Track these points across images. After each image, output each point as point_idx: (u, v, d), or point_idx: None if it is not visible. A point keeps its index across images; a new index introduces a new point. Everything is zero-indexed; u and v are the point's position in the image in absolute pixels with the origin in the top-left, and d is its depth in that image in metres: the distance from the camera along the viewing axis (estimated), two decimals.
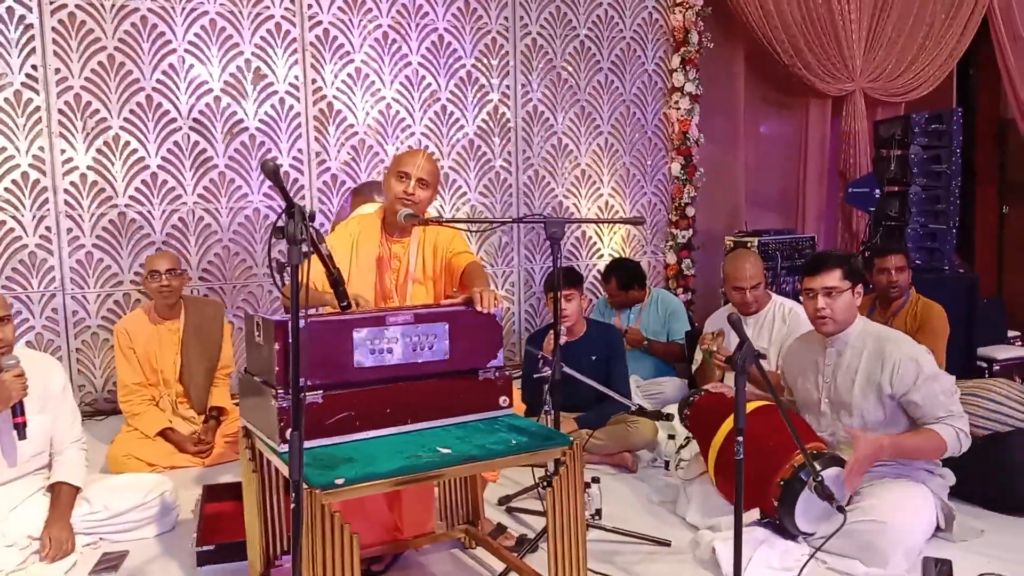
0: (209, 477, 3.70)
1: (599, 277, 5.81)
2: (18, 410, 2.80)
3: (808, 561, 2.58)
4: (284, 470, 2.08)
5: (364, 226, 2.98)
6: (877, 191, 6.11)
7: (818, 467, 2.68)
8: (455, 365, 2.42)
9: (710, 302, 6.11)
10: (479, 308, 2.44)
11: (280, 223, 1.85)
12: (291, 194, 5.14)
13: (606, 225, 6.15)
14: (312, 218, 1.90)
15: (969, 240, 7.79)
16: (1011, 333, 6.26)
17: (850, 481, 2.68)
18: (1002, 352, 5.82)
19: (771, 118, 7.36)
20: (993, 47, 7.18)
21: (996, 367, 5.72)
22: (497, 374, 2.49)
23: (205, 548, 2.82)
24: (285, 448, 2.06)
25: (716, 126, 6.70)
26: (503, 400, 2.50)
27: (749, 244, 5.83)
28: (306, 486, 1.96)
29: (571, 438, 2.30)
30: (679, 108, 6.16)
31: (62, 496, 2.96)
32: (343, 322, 2.29)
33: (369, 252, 2.93)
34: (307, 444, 2.16)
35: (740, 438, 2.24)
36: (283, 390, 2.18)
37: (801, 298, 3.06)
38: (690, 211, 6.25)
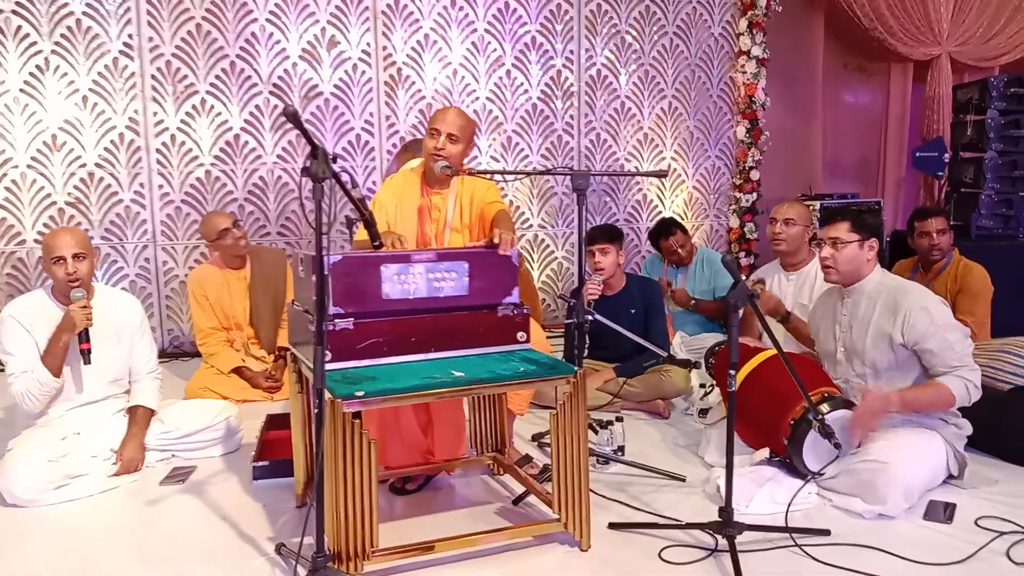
0: (276, 411, 4.05)
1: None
2: (83, 337, 3.14)
3: (800, 489, 2.72)
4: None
5: (407, 180, 3.23)
6: (946, 155, 5.99)
7: (826, 408, 2.81)
8: (474, 300, 2.64)
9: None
10: (499, 250, 2.65)
11: (307, 164, 2.10)
12: (363, 156, 5.50)
13: (668, 187, 6.25)
14: (334, 160, 2.15)
15: None
16: None
17: (854, 432, 2.80)
18: None
19: (852, 83, 7.27)
20: None
21: None
22: (515, 310, 2.70)
23: (260, 464, 3.15)
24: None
25: (791, 93, 6.69)
26: (520, 335, 2.72)
27: (811, 207, 5.83)
28: (330, 397, 2.23)
29: (574, 367, 2.50)
30: (745, 72, 6.18)
31: (138, 417, 3.35)
32: (373, 258, 2.54)
33: (411, 203, 3.18)
34: (338, 365, 2.45)
35: (732, 371, 2.40)
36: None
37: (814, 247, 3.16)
38: (754, 175, 6.28)
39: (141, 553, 2.62)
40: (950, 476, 2.96)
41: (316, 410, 2.14)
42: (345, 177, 2.35)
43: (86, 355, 3.14)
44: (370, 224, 2.65)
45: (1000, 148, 5.86)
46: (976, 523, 2.67)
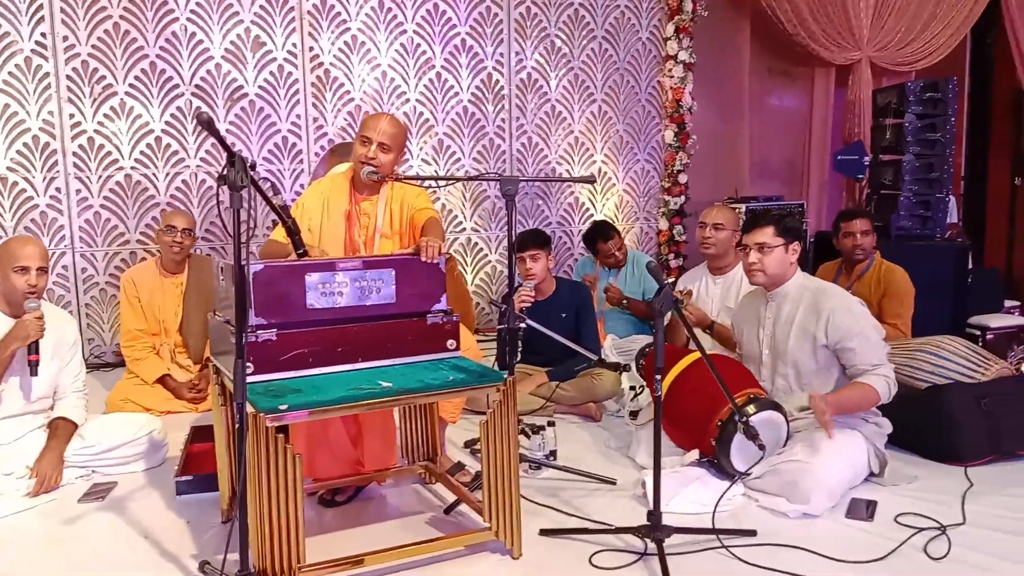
0: (202, 422, 3.94)
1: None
2: (33, 348, 3.08)
3: (726, 491, 2.77)
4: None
5: (334, 184, 3.18)
6: (866, 158, 6.17)
7: (752, 409, 2.86)
8: (402, 308, 2.61)
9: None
10: (423, 257, 2.62)
11: (224, 172, 2.04)
12: (290, 159, 5.40)
13: (599, 191, 6.30)
14: (253, 167, 2.09)
15: (980, 211, 7.81)
16: (1009, 303, 6.29)
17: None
18: (995, 321, 5.88)
19: (776, 87, 7.42)
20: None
21: (989, 336, 5.79)
22: (444, 318, 2.68)
23: (184, 478, 3.06)
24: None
25: (718, 96, 6.79)
26: (450, 343, 2.69)
27: (737, 211, 5.94)
28: (253, 411, 2.17)
29: (504, 375, 2.48)
30: (673, 76, 6.26)
31: (58, 430, 3.23)
32: (296, 267, 2.49)
33: (339, 209, 3.12)
34: (262, 377, 2.40)
35: (658, 376, 2.42)
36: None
37: (739, 252, 3.22)
38: (683, 178, 6.37)
39: (60, 573, 2.51)
40: (871, 474, 3.05)
41: (238, 424, 2.09)
42: (267, 184, 2.29)
43: (34, 367, 3.08)
44: (293, 232, 2.60)
45: (917, 151, 6.05)
46: (896, 520, 2.74)
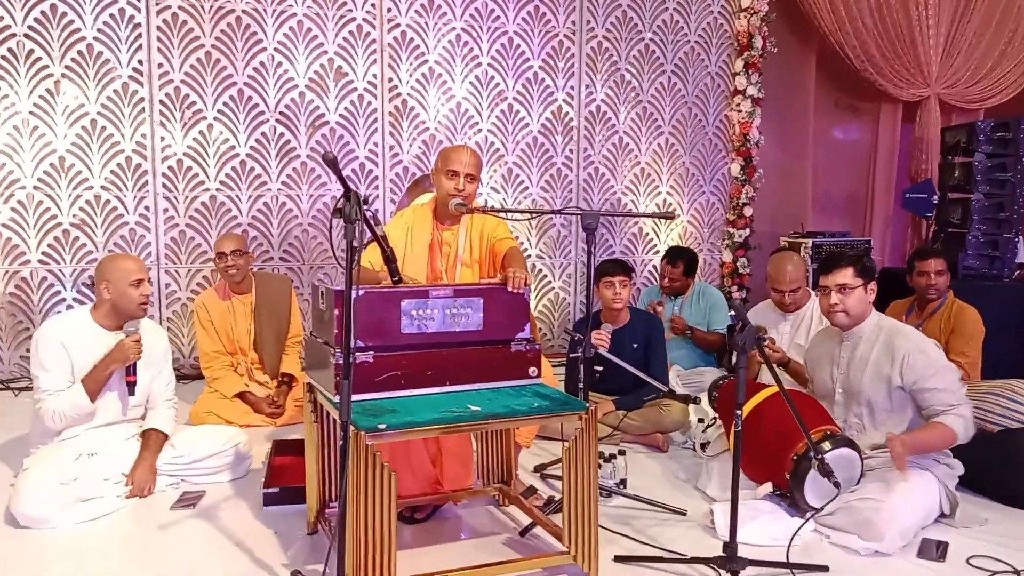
0: (279, 436, 4.10)
1: (654, 271, 6.06)
2: (131, 370, 3.27)
3: (802, 526, 2.81)
4: (338, 417, 2.43)
5: (418, 215, 3.33)
6: (935, 197, 6.15)
7: (827, 446, 2.91)
8: (487, 335, 2.73)
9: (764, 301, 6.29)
10: (510, 288, 2.74)
11: (339, 205, 2.19)
12: (366, 184, 5.60)
13: (664, 223, 6.38)
14: (366, 202, 2.24)
15: None
16: None
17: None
18: None
19: (842, 122, 7.44)
20: None
21: None
22: (527, 346, 2.79)
23: (271, 490, 3.21)
24: (339, 398, 2.39)
25: (783, 129, 6.84)
26: (532, 370, 2.80)
27: (803, 245, 5.98)
28: (353, 429, 2.30)
29: (587, 404, 2.58)
30: (740, 111, 6.34)
31: (151, 441, 3.41)
32: (392, 294, 2.63)
33: (422, 239, 3.27)
34: (358, 397, 2.53)
35: (739, 411, 2.50)
36: (340, 349, 2.52)
37: (817, 293, 3.26)
38: (748, 211, 6.42)
39: None
40: (942, 515, 3.07)
41: (341, 442, 2.21)
42: (370, 215, 2.43)
43: (131, 387, 3.29)
44: (391, 260, 2.74)
45: (986, 190, 6.01)
46: (968, 561, 2.77)
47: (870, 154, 7.37)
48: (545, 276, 6.16)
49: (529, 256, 6.11)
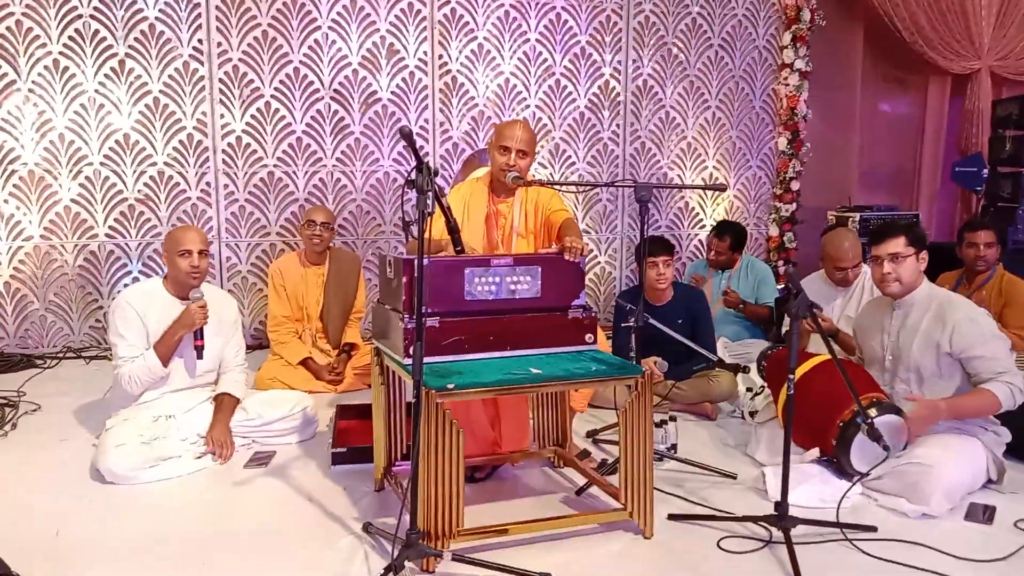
0: (340, 402, 4.27)
1: (700, 245, 6.12)
2: (199, 334, 3.44)
3: (850, 488, 2.90)
4: (407, 379, 2.57)
5: (474, 189, 3.44)
6: (985, 171, 6.11)
7: (874, 412, 2.99)
8: (546, 302, 2.85)
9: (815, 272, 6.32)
10: (567, 257, 2.85)
11: (411, 177, 2.32)
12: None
13: (710, 196, 6.43)
14: (436, 174, 2.36)
15: None
16: None
17: (904, 437, 2.98)
18: None
19: (890, 95, 7.38)
20: None
21: None
22: (584, 313, 2.91)
23: (339, 450, 3.38)
24: (408, 361, 2.53)
25: (830, 103, 6.82)
26: (588, 337, 2.92)
27: (851, 219, 6.00)
28: (424, 388, 2.44)
29: (642, 368, 2.69)
30: (788, 84, 6.34)
31: (224, 404, 3.59)
32: (457, 263, 2.76)
33: (479, 211, 3.39)
34: (426, 360, 2.66)
35: (792, 376, 2.59)
36: (408, 315, 2.66)
37: (870, 264, 3.32)
38: (795, 185, 6.44)
39: (234, 532, 2.82)
40: (989, 480, 3.13)
41: (414, 400, 2.35)
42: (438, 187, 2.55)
43: (200, 351, 3.45)
44: (455, 231, 2.86)
45: None
46: (1016, 524, 2.83)
47: (918, 128, 7.32)
48: (592, 250, 6.26)
49: None
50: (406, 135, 2.26)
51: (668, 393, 4.06)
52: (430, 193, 2.30)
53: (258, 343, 5.48)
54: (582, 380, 2.69)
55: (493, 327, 2.79)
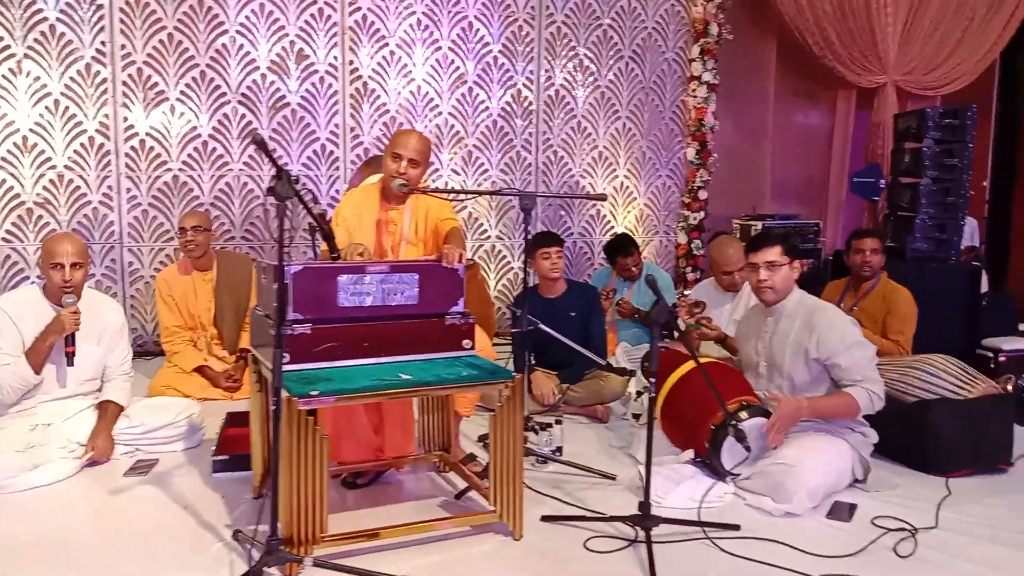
0: (237, 409, 4.23)
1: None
2: (70, 340, 3.38)
3: (711, 489, 3.00)
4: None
5: (366, 194, 3.47)
6: (882, 181, 6.34)
7: (744, 415, 3.09)
8: (423, 309, 2.88)
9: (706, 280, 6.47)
10: (444, 263, 2.89)
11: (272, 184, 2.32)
12: (327, 165, 5.71)
13: (621, 204, 6.54)
14: (297, 181, 2.38)
15: (1006, 235, 7.92)
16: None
17: (772, 436, 3.08)
18: (1008, 344, 5.97)
19: (801, 108, 7.60)
20: None
21: (1002, 358, 5.89)
22: (461, 319, 2.94)
23: (220, 458, 3.36)
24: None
25: (743, 115, 7.00)
26: (466, 343, 2.95)
27: (753, 228, 6.16)
28: (287, 395, 2.45)
29: (513, 373, 2.74)
30: (696, 96, 6.49)
31: (108, 412, 3.54)
32: (331, 269, 2.77)
33: (370, 217, 3.41)
34: (296, 367, 2.67)
35: (652, 380, 2.67)
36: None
37: (746, 271, 3.44)
38: (702, 194, 6.58)
39: (105, 537, 2.80)
40: (856, 480, 3.26)
41: (273, 407, 2.36)
42: (308, 195, 2.57)
43: (70, 357, 3.38)
44: (328, 237, 2.88)
45: (935, 175, 6.18)
46: (872, 522, 2.95)
47: (827, 140, 7.55)
48: (505, 256, 6.31)
49: (489, 237, 6.26)
50: (258, 142, 2.27)
51: (563, 396, 4.13)
52: (289, 200, 2.31)
53: (160, 349, 5.37)
54: (452, 385, 2.72)
55: (368, 333, 2.81)
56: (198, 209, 5.49)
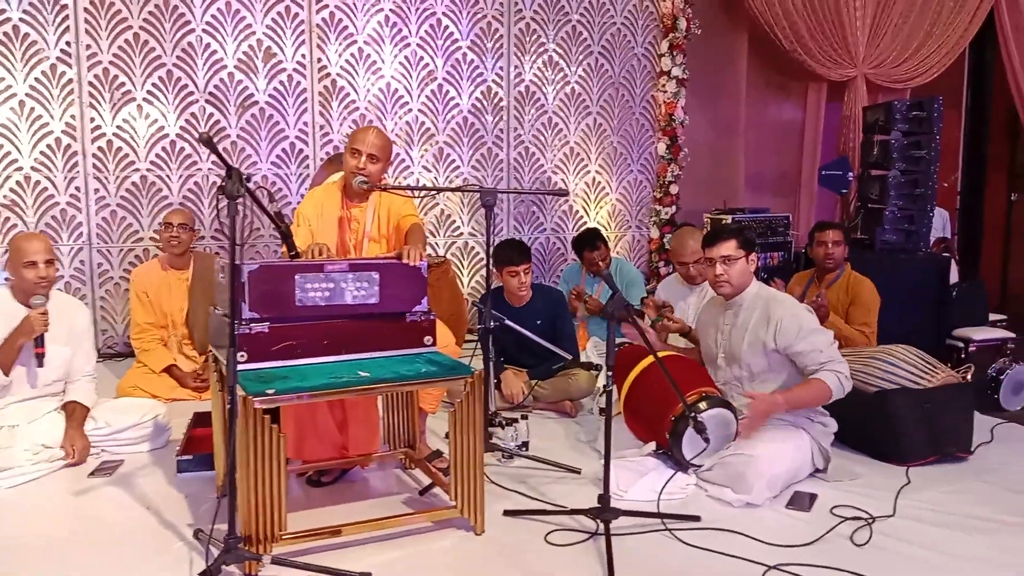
0: (204, 409, 4.22)
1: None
2: (39, 341, 3.37)
3: (672, 477, 3.04)
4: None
5: (328, 192, 3.47)
6: (851, 174, 6.39)
7: (703, 406, 3.12)
8: (384, 307, 2.88)
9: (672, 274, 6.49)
10: (405, 261, 2.90)
11: (222, 183, 2.33)
12: (296, 163, 5.69)
13: (593, 199, 6.56)
14: (248, 179, 2.38)
15: (977, 226, 8.01)
16: (994, 316, 6.45)
17: (744, 432, 3.11)
18: (978, 334, 6.04)
19: (773, 102, 7.64)
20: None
21: (971, 347, 5.96)
22: (422, 317, 2.95)
23: (184, 457, 3.35)
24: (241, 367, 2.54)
25: (715, 109, 7.03)
26: (427, 339, 2.96)
27: (724, 221, 6.20)
28: (243, 394, 2.45)
29: (472, 368, 2.76)
30: (666, 91, 6.52)
31: (76, 413, 3.54)
32: (287, 267, 2.77)
33: (332, 214, 3.41)
34: (254, 366, 2.67)
35: (610, 373, 2.69)
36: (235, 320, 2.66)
37: (703, 264, 3.47)
38: (674, 189, 6.62)
39: (68, 538, 2.80)
40: (817, 470, 3.30)
41: (229, 406, 2.37)
42: (264, 193, 2.57)
43: (40, 359, 3.40)
44: (285, 236, 2.88)
45: (903, 167, 6.25)
46: (831, 511, 2.99)
47: (799, 133, 7.59)
48: (478, 253, 6.32)
49: (461, 234, 6.27)
50: (206, 141, 2.27)
51: (531, 392, 4.15)
52: (239, 199, 2.31)
53: (131, 350, 5.35)
54: (411, 382, 2.73)
55: (327, 332, 2.81)
56: (170, 210, 5.47)
